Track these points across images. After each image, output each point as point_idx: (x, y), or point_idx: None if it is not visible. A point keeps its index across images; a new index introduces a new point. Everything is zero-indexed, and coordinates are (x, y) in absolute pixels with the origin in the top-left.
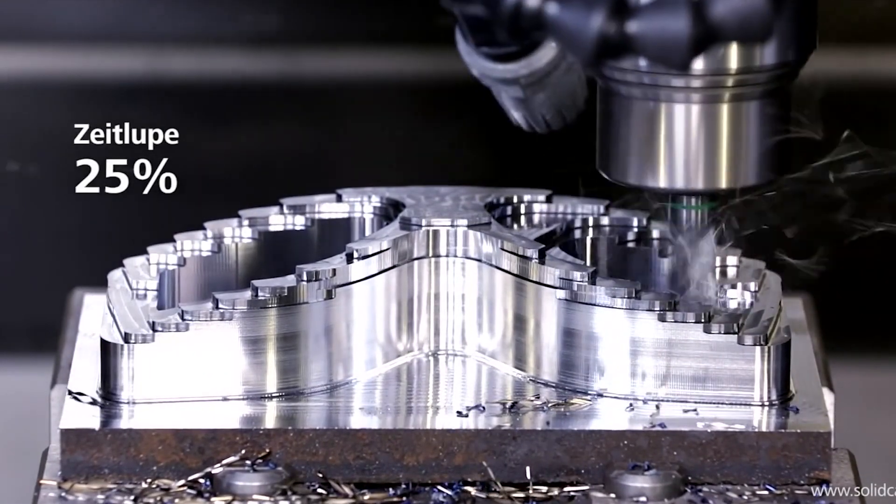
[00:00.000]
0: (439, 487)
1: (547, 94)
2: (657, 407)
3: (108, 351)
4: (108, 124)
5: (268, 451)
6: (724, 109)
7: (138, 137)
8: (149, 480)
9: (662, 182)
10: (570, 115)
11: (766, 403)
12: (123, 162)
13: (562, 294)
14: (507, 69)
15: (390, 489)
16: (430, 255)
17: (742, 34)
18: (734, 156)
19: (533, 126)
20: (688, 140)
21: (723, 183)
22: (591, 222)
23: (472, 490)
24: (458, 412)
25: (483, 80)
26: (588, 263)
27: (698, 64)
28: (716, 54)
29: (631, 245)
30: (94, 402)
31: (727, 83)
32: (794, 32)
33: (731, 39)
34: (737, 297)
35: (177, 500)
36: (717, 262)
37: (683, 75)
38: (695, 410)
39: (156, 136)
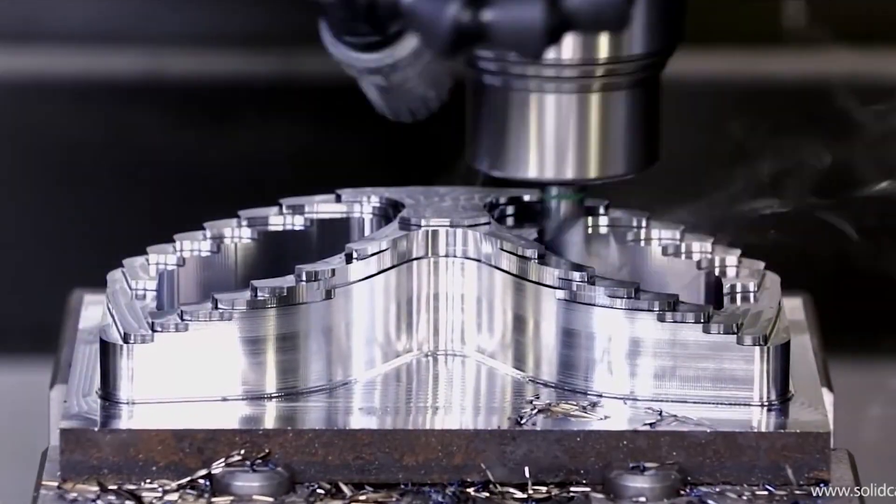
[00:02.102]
0: (438, 490)
1: (411, 83)
2: (660, 414)
3: (107, 351)
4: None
5: (267, 451)
6: (593, 99)
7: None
8: (148, 480)
9: (532, 173)
10: (435, 104)
11: (766, 403)
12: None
13: (561, 294)
14: (370, 59)
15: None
16: (430, 255)
17: (597, 24)
18: (603, 145)
19: (398, 115)
20: (557, 130)
21: (592, 173)
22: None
23: (471, 490)
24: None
25: (347, 69)
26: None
27: (566, 53)
28: (584, 44)
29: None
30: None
31: (596, 73)
32: (660, 22)
33: (586, 29)
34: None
35: (176, 500)
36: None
37: (552, 65)
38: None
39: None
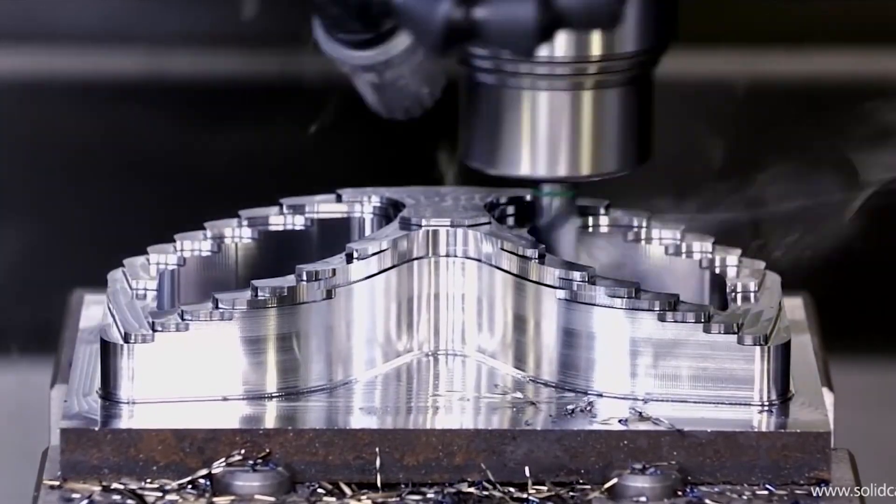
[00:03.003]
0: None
1: (404, 80)
2: (640, 415)
3: (108, 351)
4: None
5: (268, 450)
6: (586, 96)
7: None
8: (149, 480)
9: (525, 170)
10: (428, 102)
11: (766, 403)
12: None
13: (561, 294)
14: (364, 56)
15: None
16: (430, 255)
17: (589, 22)
18: (596, 143)
19: (391, 113)
20: (550, 127)
21: (585, 170)
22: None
23: (472, 490)
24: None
25: (341, 66)
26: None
27: (559, 51)
28: (577, 41)
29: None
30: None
31: (588, 70)
32: (653, 20)
33: (578, 27)
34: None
35: (177, 500)
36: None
37: (546, 62)
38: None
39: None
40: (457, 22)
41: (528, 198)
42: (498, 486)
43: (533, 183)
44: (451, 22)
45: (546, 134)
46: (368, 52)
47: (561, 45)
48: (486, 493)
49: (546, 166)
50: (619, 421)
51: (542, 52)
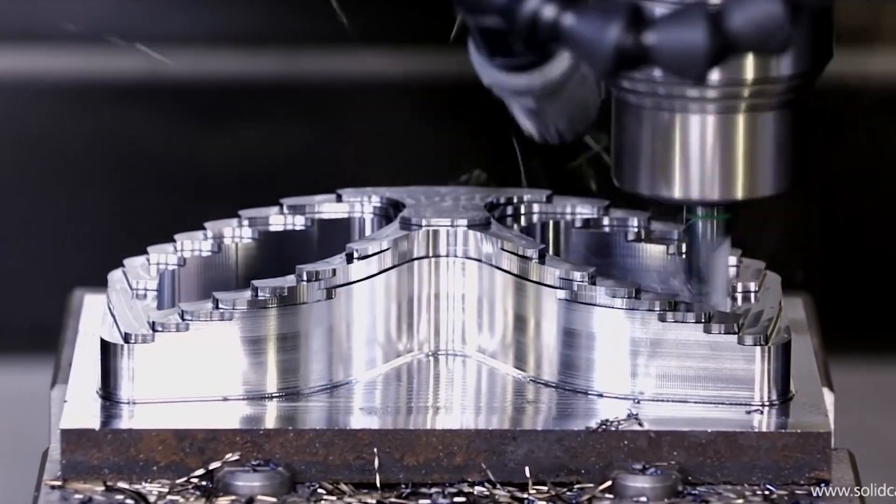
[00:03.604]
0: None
1: (560, 105)
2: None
3: (108, 351)
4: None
5: (268, 450)
6: (740, 120)
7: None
8: (149, 480)
9: (677, 193)
10: (583, 126)
11: (766, 403)
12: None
13: (562, 294)
14: (521, 80)
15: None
16: (430, 255)
17: (760, 46)
18: (750, 166)
19: (545, 137)
20: (703, 150)
21: (739, 194)
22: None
23: (472, 490)
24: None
25: (495, 90)
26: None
27: (714, 74)
28: (731, 64)
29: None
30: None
31: (743, 94)
32: (810, 42)
33: (749, 51)
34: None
35: (177, 500)
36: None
37: (699, 86)
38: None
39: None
40: (627, 47)
41: (527, 198)
42: (498, 486)
43: (686, 206)
44: (622, 47)
45: (699, 156)
46: (525, 76)
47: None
48: (486, 493)
49: (699, 189)
50: (604, 423)
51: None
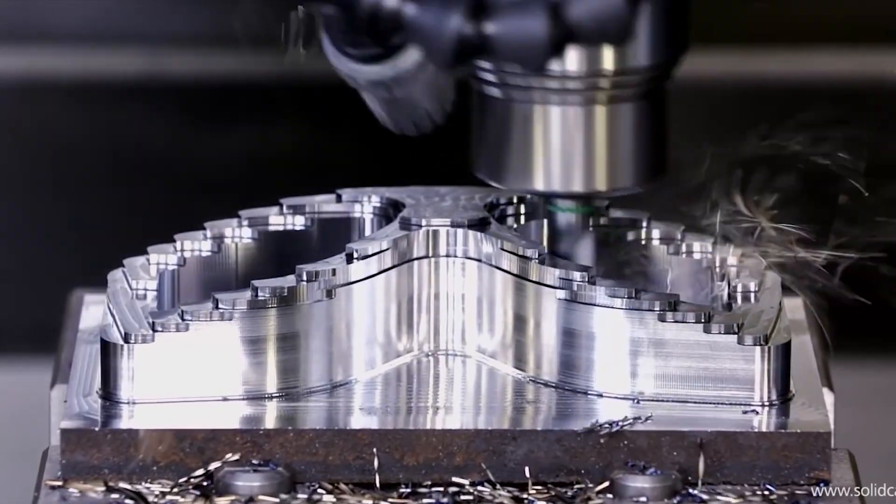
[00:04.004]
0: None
1: (415, 95)
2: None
3: (108, 351)
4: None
5: (268, 450)
6: (599, 111)
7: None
8: (149, 480)
9: (540, 185)
10: (439, 116)
11: (766, 403)
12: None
13: (562, 294)
14: (373, 71)
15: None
16: (430, 255)
17: (600, 36)
18: (611, 158)
19: (401, 128)
20: (564, 142)
21: (600, 185)
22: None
23: (472, 490)
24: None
25: (350, 81)
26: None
27: (572, 66)
28: (590, 56)
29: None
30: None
31: (602, 85)
32: (665, 33)
33: (589, 41)
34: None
35: (177, 500)
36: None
37: (558, 77)
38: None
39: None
40: (467, 37)
41: (527, 198)
42: (498, 486)
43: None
44: (462, 37)
45: (560, 149)
46: (377, 66)
47: (574, 59)
48: (486, 493)
49: (561, 181)
50: (599, 425)
51: (556, 66)
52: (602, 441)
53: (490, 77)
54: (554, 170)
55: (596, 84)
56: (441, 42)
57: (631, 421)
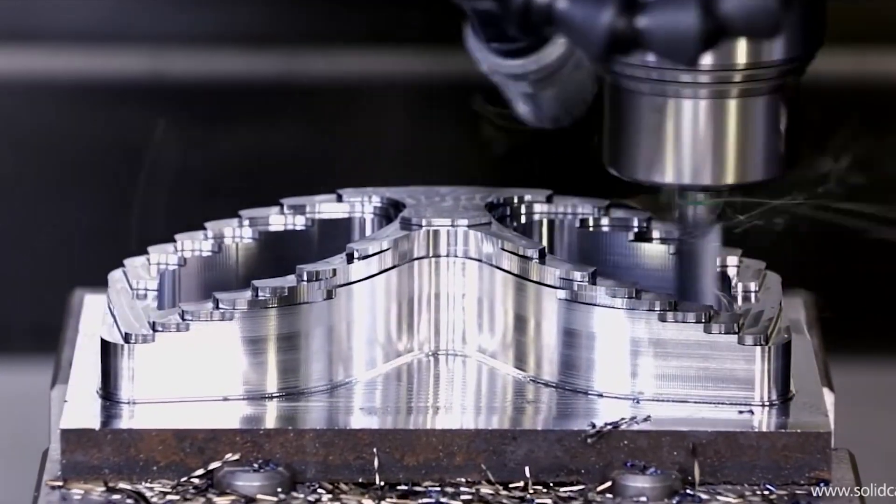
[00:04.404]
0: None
1: (555, 89)
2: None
3: (108, 351)
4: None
5: (268, 450)
6: (732, 105)
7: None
8: (149, 480)
9: (669, 177)
10: (579, 111)
11: (766, 403)
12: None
13: (562, 294)
14: (517, 65)
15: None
16: (431, 255)
17: (751, 29)
18: (741, 151)
19: (541, 121)
20: (695, 135)
21: (730, 178)
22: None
23: (472, 490)
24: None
25: (492, 75)
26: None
27: (706, 59)
28: (723, 49)
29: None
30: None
31: (735, 78)
32: (801, 27)
33: (740, 35)
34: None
35: (177, 500)
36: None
37: (691, 70)
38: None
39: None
40: (620, 30)
41: (527, 198)
42: (498, 486)
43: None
44: (614, 30)
45: (691, 141)
46: (521, 60)
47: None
48: (485, 493)
49: (691, 174)
50: (602, 426)
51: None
52: (602, 441)
53: (625, 70)
54: (685, 162)
55: (729, 78)
56: (594, 35)
57: (629, 421)
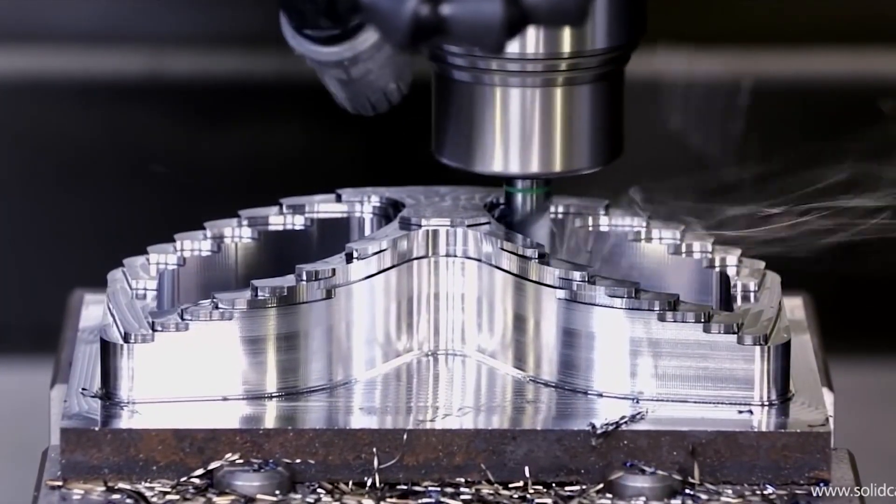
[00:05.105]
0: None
1: (372, 76)
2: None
3: (108, 351)
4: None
5: (268, 450)
6: (557, 93)
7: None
8: (149, 480)
9: (497, 166)
10: (396, 97)
11: (766, 403)
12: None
13: (561, 294)
14: (331, 52)
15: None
16: (430, 254)
17: (556, 18)
18: (568, 140)
19: (358, 109)
20: (522, 124)
21: (557, 167)
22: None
23: (471, 490)
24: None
25: (308, 62)
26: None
27: (531, 48)
28: (548, 38)
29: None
30: (99, 397)
31: (560, 67)
32: (623, 16)
33: (545, 23)
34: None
35: (177, 500)
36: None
37: (517, 59)
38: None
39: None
40: (424, 18)
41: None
42: (498, 486)
43: (506, 180)
44: (419, 18)
45: (518, 131)
46: (335, 47)
47: (532, 41)
48: (485, 493)
49: (518, 163)
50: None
51: (514, 48)
52: (602, 441)
53: (449, 59)
54: (512, 152)
55: (554, 66)
56: (397, 23)
57: (628, 419)
